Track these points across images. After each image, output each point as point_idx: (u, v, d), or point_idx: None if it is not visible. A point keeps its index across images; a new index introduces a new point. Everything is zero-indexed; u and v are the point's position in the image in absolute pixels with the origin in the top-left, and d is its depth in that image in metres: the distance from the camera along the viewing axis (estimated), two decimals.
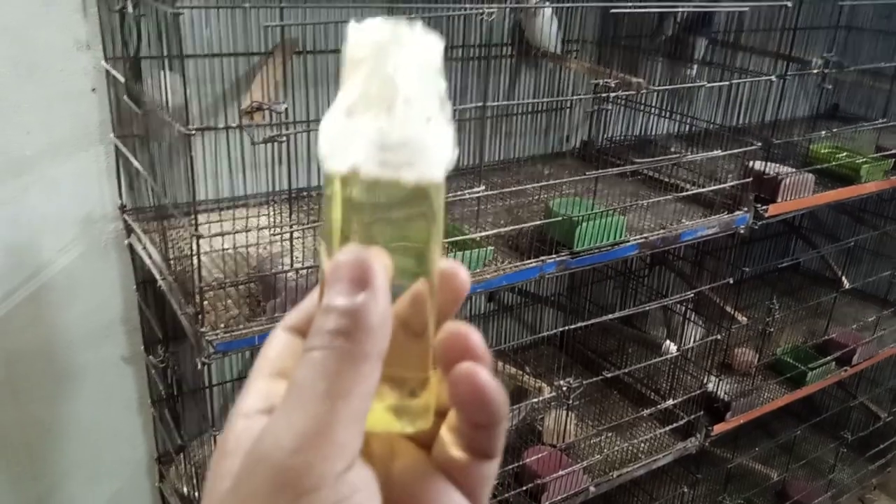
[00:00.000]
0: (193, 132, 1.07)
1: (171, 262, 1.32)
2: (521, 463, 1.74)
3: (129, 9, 1.24)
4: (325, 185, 0.33)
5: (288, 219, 1.25)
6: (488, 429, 0.33)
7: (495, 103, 1.62)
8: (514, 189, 1.67)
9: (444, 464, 0.34)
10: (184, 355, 1.60)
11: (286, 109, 1.12)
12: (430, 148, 0.32)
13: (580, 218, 1.49)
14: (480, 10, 1.31)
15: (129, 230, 1.51)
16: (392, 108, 0.32)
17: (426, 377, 0.34)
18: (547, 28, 1.73)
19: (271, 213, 1.50)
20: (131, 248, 1.53)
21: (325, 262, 0.33)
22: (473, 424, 0.33)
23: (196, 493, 1.50)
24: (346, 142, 0.32)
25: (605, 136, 2.02)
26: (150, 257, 1.39)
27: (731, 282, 1.88)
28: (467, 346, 0.33)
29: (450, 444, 0.34)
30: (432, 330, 0.34)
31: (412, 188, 0.32)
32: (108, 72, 1.41)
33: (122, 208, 1.52)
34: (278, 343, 0.35)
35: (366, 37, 0.33)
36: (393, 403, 0.33)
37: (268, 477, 0.28)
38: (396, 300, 0.32)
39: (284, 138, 1.12)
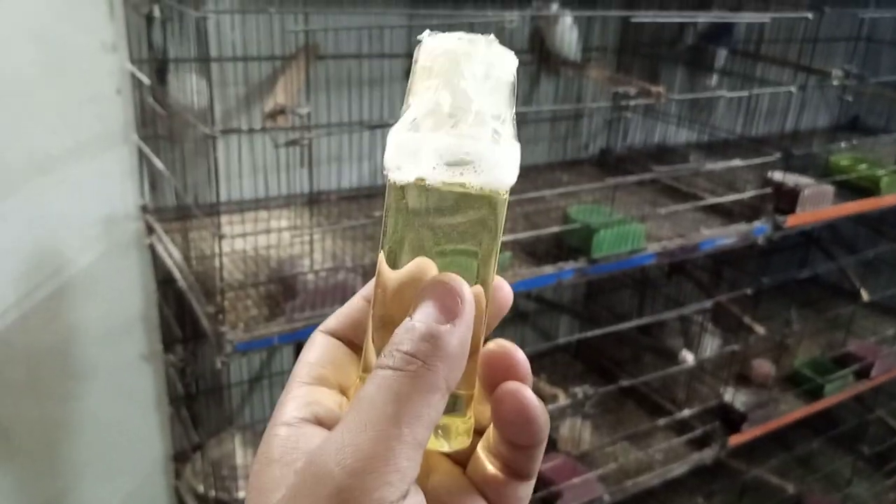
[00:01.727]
0: (217, 134, 1.09)
1: (192, 262, 1.33)
2: None
3: (156, 13, 1.26)
4: (389, 193, 0.33)
5: (308, 221, 1.26)
6: (529, 450, 0.33)
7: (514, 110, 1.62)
8: (532, 195, 1.67)
9: (480, 482, 0.34)
10: (202, 354, 1.61)
11: (308, 113, 1.13)
12: (497, 164, 0.32)
13: (598, 225, 1.49)
14: (501, 18, 1.31)
15: (151, 230, 1.53)
16: (462, 121, 0.32)
17: (472, 394, 0.33)
18: (567, 36, 1.73)
19: (292, 216, 1.51)
20: (152, 247, 1.55)
21: (385, 269, 0.33)
22: (514, 445, 0.33)
23: (213, 492, 1.51)
24: (414, 153, 0.31)
25: (624, 144, 2.02)
26: (171, 257, 1.40)
27: (750, 292, 1.87)
28: (512, 365, 0.33)
29: (487, 463, 0.34)
30: (481, 345, 0.34)
31: (476, 200, 0.32)
32: (132, 74, 1.43)
33: (144, 208, 1.54)
34: (318, 348, 0.35)
35: (439, 48, 0.32)
36: (440, 421, 0.32)
37: (329, 493, 0.27)
38: None
39: (306, 141, 1.13)
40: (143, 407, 1.72)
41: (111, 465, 1.71)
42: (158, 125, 1.40)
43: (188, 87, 1.15)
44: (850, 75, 1.85)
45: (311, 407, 0.32)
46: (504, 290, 0.35)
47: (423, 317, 0.30)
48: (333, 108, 1.29)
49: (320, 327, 0.36)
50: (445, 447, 0.33)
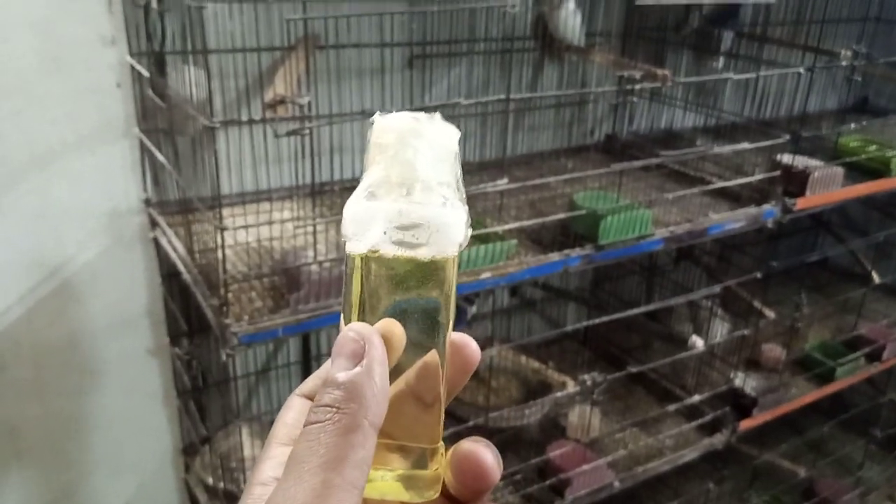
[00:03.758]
0: (217, 126, 1.08)
1: (196, 255, 1.32)
2: (544, 457, 1.73)
3: (154, 4, 1.25)
4: (347, 261, 0.36)
5: (311, 212, 1.25)
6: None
7: (518, 96, 1.60)
8: (537, 182, 1.66)
9: None
10: (208, 347, 1.61)
11: (309, 103, 1.12)
12: (445, 228, 0.35)
13: (605, 211, 1.48)
14: (503, 3, 1.30)
15: (154, 223, 1.53)
16: (411, 191, 0.35)
17: (436, 448, 0.36)
18: (570, 21, 1.71)
19: (295, 207, 1.50)
20: (156, 241, 1.54)
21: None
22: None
23: (221, 484, 1.51)
24: (367, 223, 0.35)
25: (630, 129, 2.00)
26: (175, 250, 1.40)
27: (759, 276, 1.85)
28: (481, 474, 0.35)
29: None
30: (443, 400, 0.36)
31: (427, 264, 0.35)
32: (132, 66, 1.43)
33: (147, 202, 1.54)
34: (295, 410, 0.37)
35: (389, 126, 0.36)
36: (403, 473, 0.35)
37: None
38: (408, 370, 0.35)
39: (307, 131, 1.12)
40: (150, 401, 1.72)
41: (120, 459, 1.72)
42: (159, 118, 1.39)
43: (187, 79, 1.14)
44: (859, 55, 1.83)
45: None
46: (469, 348, 0.37)
47: (335, 369, 0.32)
48: (335, 99, 1.28)
49: (296, 391, 0.38)
50: (416, 499, 0.35)
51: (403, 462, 0.35)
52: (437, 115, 0.36)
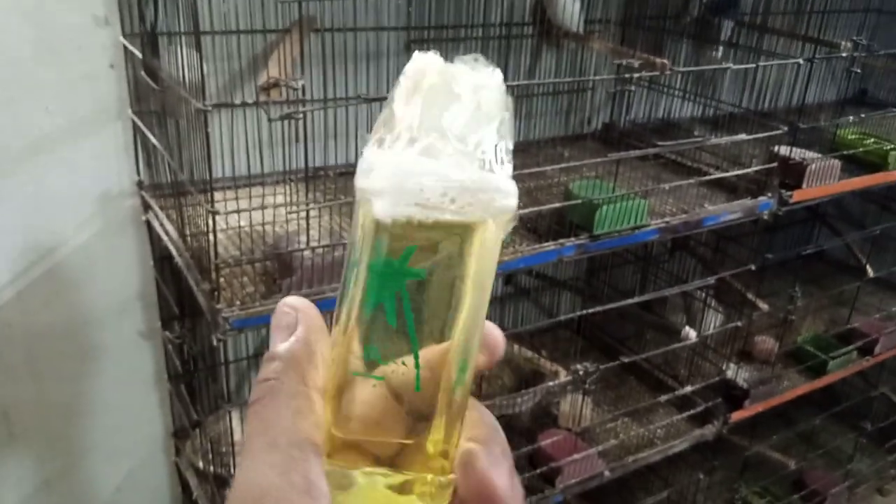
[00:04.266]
0: (209, 108, 1.06)
1: (188, 238, 1.31)
2: (535, 446, 1.73)
3: None
4: (358, 225, 0.31)
5: (304, 197, 1.24)
6: None
7: (515, 83, 1.59)
8: (533, 171, 1.65)
9: None
10: (200, 332, 1.60)
11: (303, 86, 1.11)
12: (494, 193, 0.30)
13: (600, 201, 1.47)
14: None
15: (147, 206, 1.51)
16: (452, 146, 0.30)
17: (447, 449, 0.33)
18: (569, 7, 1.70)
19: (288, 192, 1.49)
20: (149, 224, 1.53)
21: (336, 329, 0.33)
22: None
23: (211, 468, 1.51)
24: (403, 179, 0.30)
25: (628, 118, 1.99)
26: (168, 234, 1.39)
27: (754, 268, 1.85)
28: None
29: None
30: (445, 404, 0.32)
31: (459, 233, 0.30)
32: (125, 48, 1.41)
33: (140, 185, 1.52)
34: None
35: (434, 68, 0.31)
36: (408, 478, 0.32)
37: None
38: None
39: (301, 115, 1.11)
40: (142, 385, 1.71)
41: (112, 443, 1.71)
42: (152, 100, 1.38)
43: (180, 61, 1.13)
44: (859, 47, 1.82)
45: None
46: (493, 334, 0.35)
47: (272, 343, 0.33)
48: (329, 83, 1.27)
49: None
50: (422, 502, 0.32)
51: (412, 465, 0.32)
52: (494, 69, 0.31)
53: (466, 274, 0.31)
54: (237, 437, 1.51)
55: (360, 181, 0.30)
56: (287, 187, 1.51)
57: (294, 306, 0.34)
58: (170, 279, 1.58)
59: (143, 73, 1.34)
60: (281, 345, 0.33)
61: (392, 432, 0.32)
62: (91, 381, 1.64)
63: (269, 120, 1.10)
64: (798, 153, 1.82)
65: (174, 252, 1.34)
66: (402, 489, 0.32)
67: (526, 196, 1.62)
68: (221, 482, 1.48)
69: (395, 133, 0.30)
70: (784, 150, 1.79)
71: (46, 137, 1.41)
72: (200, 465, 1.59)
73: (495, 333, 0.35)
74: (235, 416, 1.60)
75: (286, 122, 1.12)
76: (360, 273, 0.31)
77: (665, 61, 1.50)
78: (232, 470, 1.43)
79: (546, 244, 1.45)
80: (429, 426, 0.32)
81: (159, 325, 1.65)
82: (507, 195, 0.31)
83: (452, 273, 0.31)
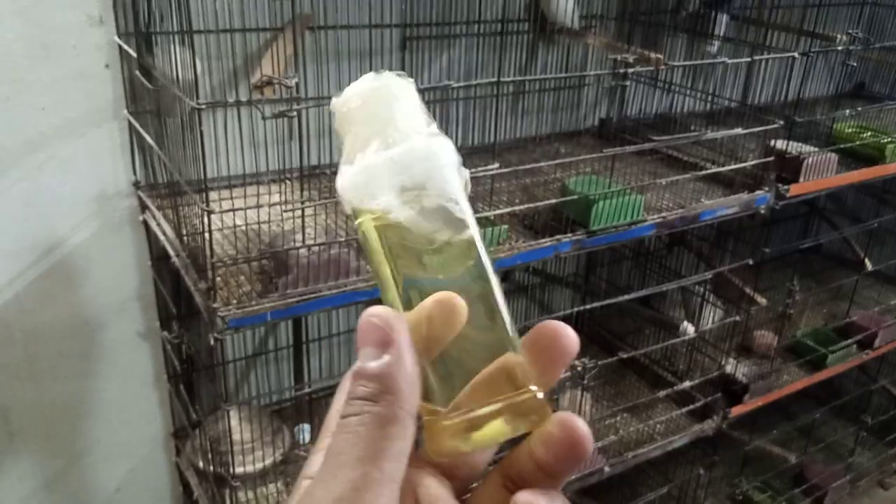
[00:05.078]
0: (203, 107, 1.06)
1: (185, 238, 1.31)
2: None
3: None
4: (363, 240, 0.35)
5: (300, 195, 1.24)
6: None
7: (510, 79, 1.59)
8: (529, 167, 1.65)
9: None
10: (198, 331, 1.61)
11: (297, 84, 1.11)
12: (436, 158, 0.35)
13: (597, 196, 1.47)
14: None
15: (144, 206, 1.52)
16: (391, 141, 0.34)
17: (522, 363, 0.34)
18: (564, 3, 1.70)
19: (283, 190, 1.49)
20: (146, 224, 1.53)
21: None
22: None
23: (211, 467, 1.51)
24: (366, 186, 0.34)
25: (624, 113, 1.99)
26: (164, 234, 1.39)
27: (751, 263, 1.85)
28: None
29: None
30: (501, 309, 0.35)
31: (438, 214, 0.34)
32: (120, 47, 1.41)
33: (136, 184, 1.52)
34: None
35: (349, 96, 0.36)
36: (503, 405, 0.33)
37: None
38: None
39: (295, 113, 1.11)
40: (141, 385, 1.71)
41: (111, 443, 1.71)
42: (147, 100, 1.38)
43: (174, 60, 1.13)
44: (855, 40, 1.81)
45: None
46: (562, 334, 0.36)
47: (363, 358, 0.32)
48: (325, 81, 1.27)
49: (348, 373, 0.37)
50: (515, 431, 0.34)
51: (499, 393, 0.34)
52: (387, 72, 0.36)
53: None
54: (236, 436, 1.51)
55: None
56: (282, 186, 1.51)
57: (387, 322, 0.32)
58: (167, 279, 1.58)
59: (137, 72, 1.34)
60: (373, 363, 0.32)
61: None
62: (90, 381, 1.64)
63: (264, 118, 1.10)
64: (795, 147, 1.82)
65: (171, 252, 1.34)
66: (484, 419, 0.33)
67: (522, 192, 1.62)
68: (222, 482, 1.48)
69: (349, 153, 0.36)
70: (781, 144, 1.79)
71: (42, 137, 1.41)
72: (201, 464, 1.59)
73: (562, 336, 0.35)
74: (234, 415, 1.60)
75: (281, 120, 1.12)
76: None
77: (660, 56, 1.50)
78: (232, 469, 1.43)
79: (543, 240, 1.45)
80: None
81: (157, 324, 1.65)
82: (449, 154, 0.35)
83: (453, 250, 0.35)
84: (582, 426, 0.33)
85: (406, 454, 0.31)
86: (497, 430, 0.33)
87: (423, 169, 0.34)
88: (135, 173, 1.52)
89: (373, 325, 0.32)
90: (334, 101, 0.36)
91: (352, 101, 0.36)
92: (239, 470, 1.49)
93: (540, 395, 0.34)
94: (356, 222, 0.35)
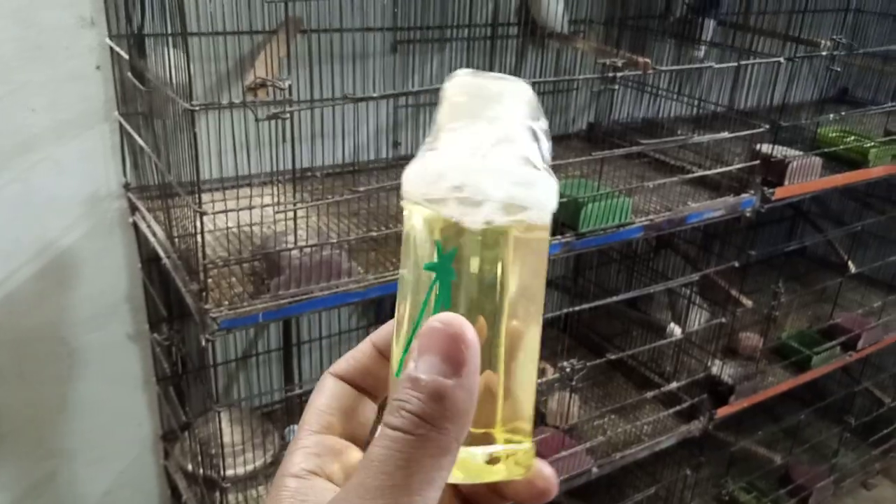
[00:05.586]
0: (197, 108, 1.07)
1: (176, 240, 1.32)
2: None
3: None
4: (416, 238, 0.32)
5: (292, 197, 1.25)
6: None
7: None
8: None
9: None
10: (188, 333, 1.61)
11: (290, 86, 1.12)
12: (547, 191, 0.33)
13: (585, 199, 1.48)
14: None
15: (134, 208, 1.51)
16: (507, 152, 0.32)
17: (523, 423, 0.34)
18: (553, 7, 1.71)
19: (275, 192, 1.50)
20: (136, 226, 1.53)
21: (404, 308, 0.32)
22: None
23: (200, 470, 1.51)
24: (482, 185, 0.31)
25: (612, 117, 2.00)
26: (155, 235, 1.39)
27: (737, 265, 1.87)
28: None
29: None
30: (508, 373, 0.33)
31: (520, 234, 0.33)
32: (112, 49, 1.41)
33: (127, 186, 1.52)
34: (327, 393, 0.35)
35: (469, 83, 0.33)
36: (496, 452, 0.32)
37: None
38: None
39: (287, 115, 1.12)
40: (130, 387, 1.71)
41: (100, 446, 1.71)
42: (139, 101, 1.38)
43: (167, 62, 1.13)
44: (839, 45, 1.84)
45: (320, 458, 0.32)
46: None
47: (426, 368, 0.28)
48: (317, 83, 1.27)
49: (330, 369, 0.35)
50: (508, 475, 0.33)
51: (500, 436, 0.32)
52: (510, 77, 0.33)
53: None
54: (226, 439, 1.51)
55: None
56: (274, 188, 1.51)
57: (462, 336, 0.28)
58: (157, 281, 1.58)
59: (129, 74, 1.34)
60: (441, 383, 0.27)
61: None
62: (79, 384, 1.63)
63: (256, 120, 1.11)
64: (780, 151, 1.84)
65: (162, 253, 1.34)
66: (492, 460, 0.32)
67: None
68: (211, 484, 1.48)
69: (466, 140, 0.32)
70: (766, 147, 1.81)
71: (33, 138, 1.41)
72: (190, 467, 1.59)
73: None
74: (225, 417, 1.60)
75: (273, 122, 1.13)
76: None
77: (648, 60, 1.51)
78: (221, 472, 1.43)
79: None
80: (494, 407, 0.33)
81: (147, 327, 1.65)
82: (554, 192, 0.34)
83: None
84: (555, 481, 0.33)
85: (445, 481, 0.29)
86: (495, 472, 0.32)
87: (534, 198, 0.33)
88: (125, 175, 1.52)
89: (444, 334, 0.28)
90: (453, 80, 0.33)
91: (465, 92, 0.33)
92: (229, 472, 1.49)
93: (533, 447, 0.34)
94: (421, 216, 0.32)
